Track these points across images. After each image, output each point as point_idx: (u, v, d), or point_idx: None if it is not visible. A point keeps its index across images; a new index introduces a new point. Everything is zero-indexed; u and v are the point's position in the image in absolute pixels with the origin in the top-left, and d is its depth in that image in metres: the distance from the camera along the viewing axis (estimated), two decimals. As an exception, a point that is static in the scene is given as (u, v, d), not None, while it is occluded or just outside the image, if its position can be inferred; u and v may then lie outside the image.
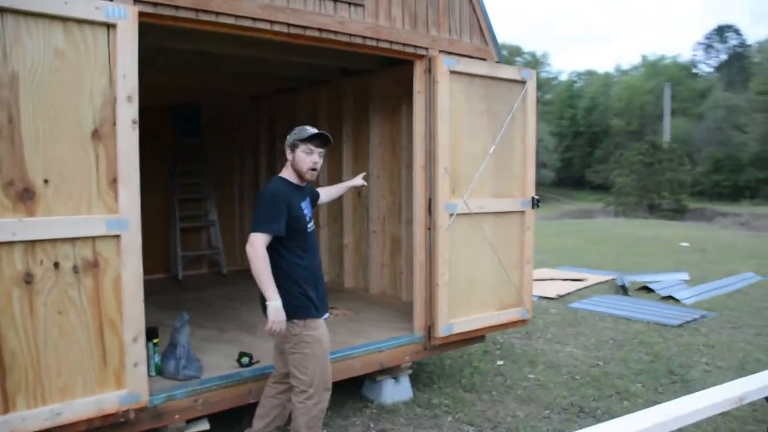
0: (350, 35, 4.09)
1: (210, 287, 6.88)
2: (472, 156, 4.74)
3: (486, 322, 4.92)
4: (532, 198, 5.15)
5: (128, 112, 3.08)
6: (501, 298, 5.02)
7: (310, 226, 3.44)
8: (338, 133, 6.66)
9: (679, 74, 55.47)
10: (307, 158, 3.31)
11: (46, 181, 2.88)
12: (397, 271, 6.10)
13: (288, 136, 3.39)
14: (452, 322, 4.68)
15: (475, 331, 4.88)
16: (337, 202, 6.82)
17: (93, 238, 3.01)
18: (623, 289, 9.05)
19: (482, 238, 4.84)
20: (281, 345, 3.43)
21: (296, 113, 7.24)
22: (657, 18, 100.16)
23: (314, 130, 3.35)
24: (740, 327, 7.20)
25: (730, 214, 32.70)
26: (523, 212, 5.10)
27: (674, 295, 8.65)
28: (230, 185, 8.24)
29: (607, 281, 10.04)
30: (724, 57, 60.18)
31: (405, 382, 4.75)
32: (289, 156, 3.37)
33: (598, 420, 4.37)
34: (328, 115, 6.83)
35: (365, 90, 6.26)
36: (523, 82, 5.02)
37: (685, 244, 15.60)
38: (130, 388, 3.13)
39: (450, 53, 4.63)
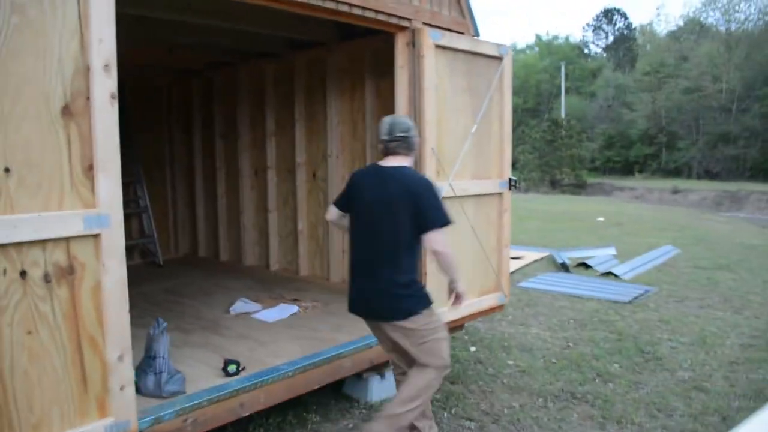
0: (337, 2, 3.66)
1: (148, 280, 6.24)
2: (455, 136, 4.46)
3: (469, 309, 4.68)
4: (509, 179, 4.95)
5: (106, 84, 2.54)
6: (482, 283, 4.82)
7: None
8: (289, 112, 6.19)
9: (571, 54, 57.91)
10: None
11: (7, 170, 2.31)
12: (361, 257, 5.75)
13: (414, 131, 3.32)
14: (439, 312, 4.41)
15: (460, 319, 4.65)
16: (288, 185, 6.36)
17: (67, 239, 2.47)
18: (564, 267, 9.16)
19: (465, 222, 4.58)
20: (407, 339, 3.23)
21: (237, 89, 6.67)
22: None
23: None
24: (682, 300, 7.43)
25: (625, 188, 34.62)
26: (500, 194, 4.90)
27: (613, 271, 8.84)
28: (162, 167, 7.55)
29: (543, 258, 10.16)
30: (611, 39, 63.28)
31: (390, 378, 4.43)
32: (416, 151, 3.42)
33: (592, 405, 4.27)
34: (276, 92, 6.32)
35: (321, 65, 5.80)
36: (500, 59, 4.77)
37: (600, 218, 16.20)
38: (117, 415, 2.63)
39: (432, 26, 4.30)
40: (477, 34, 4.79)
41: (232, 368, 3.43)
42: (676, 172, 44.65)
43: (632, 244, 11.90)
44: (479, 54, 4.58)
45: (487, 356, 5.33)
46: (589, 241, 12.34)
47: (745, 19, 48.96)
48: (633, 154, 47.39)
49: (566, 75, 47.84)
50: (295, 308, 4.89)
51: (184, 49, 6.08)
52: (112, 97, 2.57)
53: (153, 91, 7.33)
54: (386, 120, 3.29)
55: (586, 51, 62.79)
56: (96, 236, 2.55)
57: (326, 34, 5.47)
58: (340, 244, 5.86)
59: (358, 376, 4.27)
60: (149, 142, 7.37)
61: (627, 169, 47.15)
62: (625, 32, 63.43)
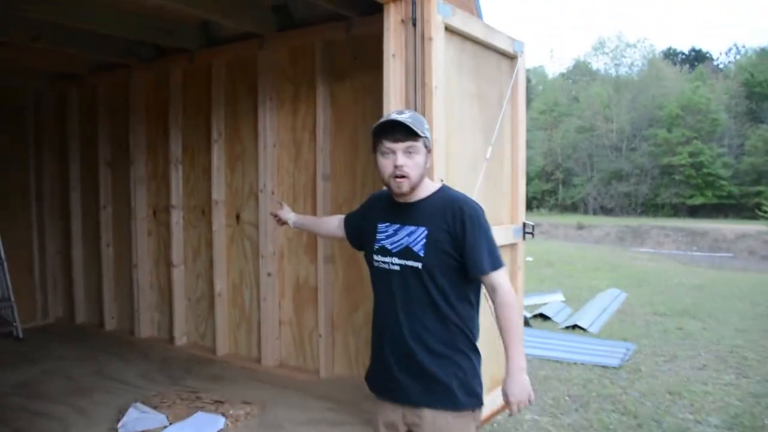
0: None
1: (-3, 368, 4.33)
2: (465, 162, 3.07)
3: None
4: (524, 224, 3.60)
5: None
6: (492, 372, 3.40)
7: (381, 260, 2.11)
8: (203, 130, 4.59)
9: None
10: (385, 162, 2.00)
11: None
12: (307, 332, 4.16)
13: None
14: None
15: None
16: (201, 230, 4.71)
17: None
18: (525, 321, 7.93)
19: (475, 286, 3.17)
20: None
21: (130, 99, 4.97)
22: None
23: (390, 117, 1.98)
24: (672, 360, 6.36)
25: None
26: (514, 245, 3.54)
27: (579, 323, 7.70)
28: (25, 205, 5.62)
29: (490, 307, 8.92)
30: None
31: None
32: None
33: None
34: (185, 103, 4.69)
35: (251, 65, 4.25)
36: (514, 58, 3.46)
37: (529, 258, 15.33)
38: None
39: (435, -2, 2.91)
40: (481, 17, 3.47)
41: None
42: (573, 208, 45.94)
43: (574, 288, 11.01)
44: (491, 48, 3.25)
45: (490, 467, 3.88)
46: (530, 284, 11.28)
47: (632, 63, 51.85)
48: (531, 191, 48.37)
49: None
50: (220, 421, 3.24)
51: (60, 43, 4.37)
52: None
53: (12, 101, 5.47)
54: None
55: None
56: None
57: (258, 19, 3.97)
58: (276, 313, 4.24)
59: None
60: (6, 171, 5.46)
61: (527, 204, 47.94)
62: (520, 73, 65.72)
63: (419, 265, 2.00)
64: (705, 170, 40.17)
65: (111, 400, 3.63)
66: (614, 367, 6.00)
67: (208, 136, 4.50)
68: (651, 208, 43.07)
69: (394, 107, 2.78)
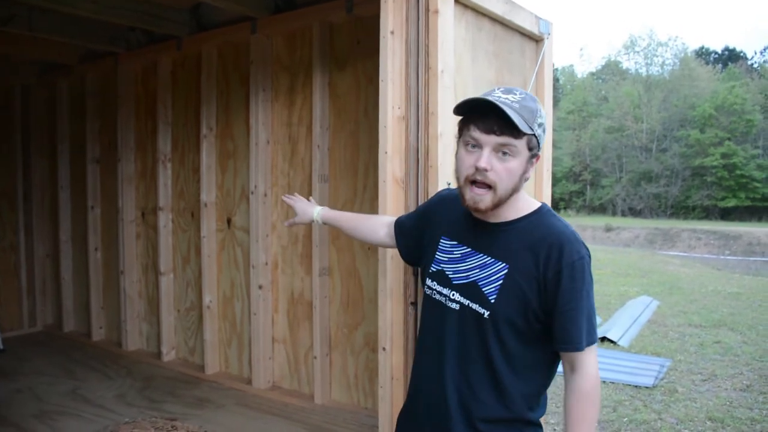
0: None
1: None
2: (479, 161, 2.57)
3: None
4: (548, 233, 3.10)
5: None
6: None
7: (437, 289, 1.59)
8: (192, 124, 4.17)
9: (498, 92, 58.28)
10: (466, 158, 1.45)
11: None
12: (302, 352, 3.71)
13: None
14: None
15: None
16: (190, 235, 4.29)
17: None
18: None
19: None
20: None
21: (118, 91, 4.56)
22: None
23: (488, 95, 1.44)
24: (711, 379, 5.81)
25: (557, 225, 33.98)
26: (536, 257, 3.03)
27: (608, 336, 7.16)
28: (11, 205, 5.27)
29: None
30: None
31: None
32: None
33: None
34: (175, 94, 4.27)
35: (242, 51, 3.81)
36: (539, 40, 2.97)
37: (555, 262, 14.76)
38: None
39: (444, -34, 2.43)
40: (501, -2, 2.98)
41: None
42: (601, 209, 44.99)
43: (603, 295, 10.41)
44: (513, 28, 2.76)
45: None
46: (555, 291, 10.73)
47: (663, 62, 50.65)
48: (559, 192, 47.50)
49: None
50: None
51: (37, 28, 3.99)
52: None
53: (-1, 95, 5.15)
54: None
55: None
56: None
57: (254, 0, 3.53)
58: (268, 330, 3.79)
59: None
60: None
61: (553, 205, 46.79)
62: (547, 72, 64.57)
63: (486, 312, 1.47)
64: (738, 172, 39.01)
65: (76, 428, 3.23)
66: (647, 387, 5.48)
67: (197, 132, 4.07)
68: (681, 210, 41.99)
69: (392, 95, 2.30)
